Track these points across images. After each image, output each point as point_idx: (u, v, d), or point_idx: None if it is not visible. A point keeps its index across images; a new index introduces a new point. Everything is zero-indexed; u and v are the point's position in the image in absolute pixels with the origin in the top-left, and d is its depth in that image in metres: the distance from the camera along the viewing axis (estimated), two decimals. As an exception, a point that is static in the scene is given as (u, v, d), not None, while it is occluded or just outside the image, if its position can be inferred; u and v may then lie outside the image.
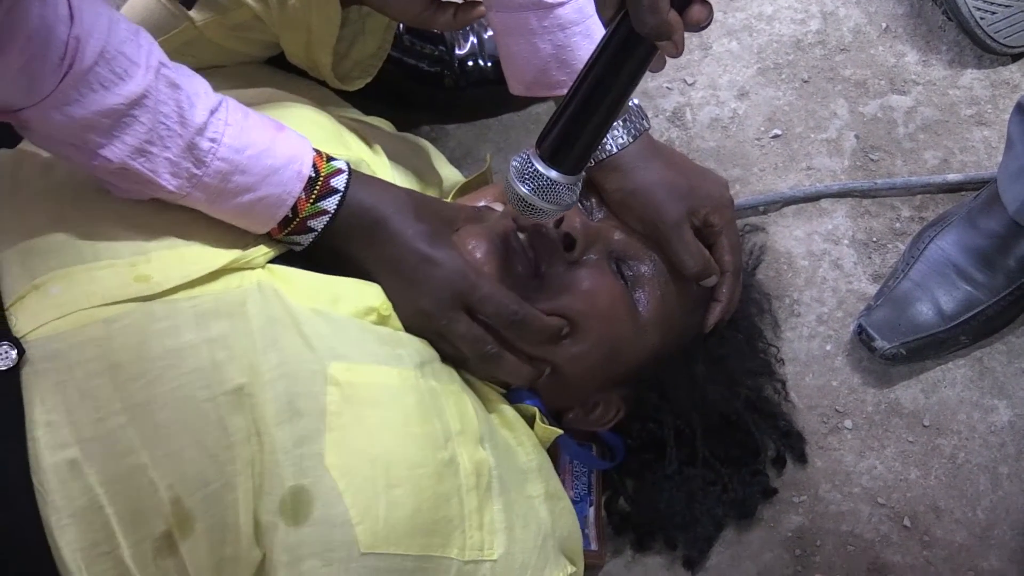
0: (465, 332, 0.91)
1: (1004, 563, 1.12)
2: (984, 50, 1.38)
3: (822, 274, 1.28)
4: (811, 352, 1.24)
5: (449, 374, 0.92)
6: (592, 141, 0.85)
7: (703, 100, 1.39)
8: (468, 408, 0.89)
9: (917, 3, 1.43)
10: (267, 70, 1.13)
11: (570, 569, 0.93)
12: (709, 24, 0.75)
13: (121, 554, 0.77)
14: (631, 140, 1.01)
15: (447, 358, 0.93)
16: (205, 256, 0.85)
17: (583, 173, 0.87)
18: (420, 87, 1.32)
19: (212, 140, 0.82)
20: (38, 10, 0.72)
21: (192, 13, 1.01)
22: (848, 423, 1.20)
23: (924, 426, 1.19)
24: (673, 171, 1.02)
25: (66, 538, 0.76)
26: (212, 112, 0.82)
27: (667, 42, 0.75)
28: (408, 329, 0.91)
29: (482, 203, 1.01)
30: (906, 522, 1.15)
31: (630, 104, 1.01)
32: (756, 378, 1.14)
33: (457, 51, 1.32)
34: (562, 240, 0.96)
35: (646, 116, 1.03)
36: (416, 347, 0.89)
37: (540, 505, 0.92)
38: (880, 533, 1.14)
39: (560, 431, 0.98)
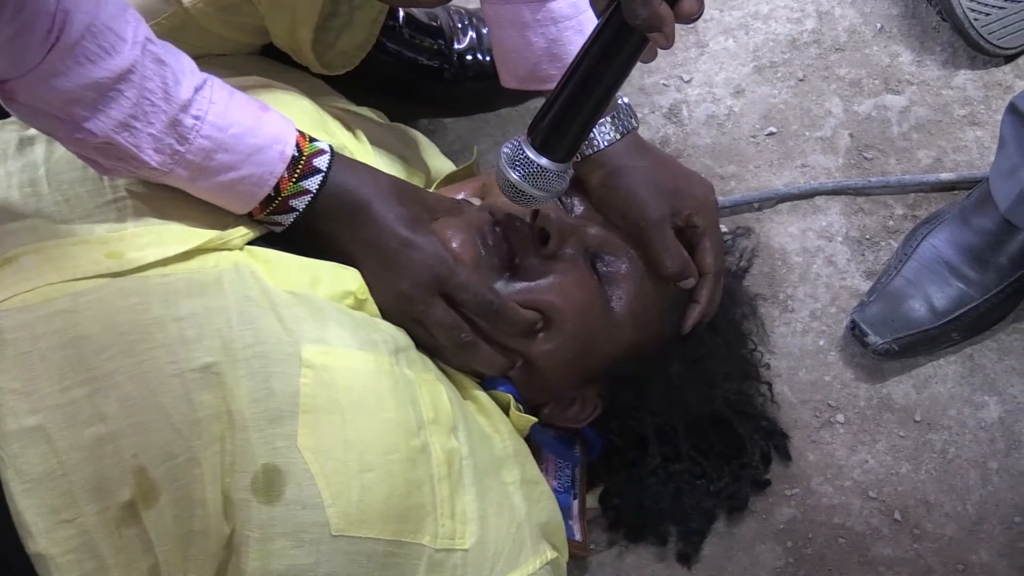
0: (441, 318, 0.91)
1: (993, 557, 1.13)
2: (977, 51, 1.39)
3: (816, 270, 1.29)
4: (804, 347, 1.25)
5: (424, 362, 0.91)
6: (583, 130, 0.86)
7: (699, 97, 1.40)
8: (442, 397, 0.88)
9: (912, 4, 1.45)
10: (257, 60, 1.13)
11: (550, 555, 0.92)
12: (700, 17, 0.76)
13: (84, 522, 0.77)
14: (619, 136, 1.01)
15: (422, 346, 0.93)
16: (181, 236, 0.85)
17: (573, 161, 0.88)
18: (419, 80, 1.33)
19: (196, 117, 0.83)
20: None
21: None
22: (840, 417, 1.21)
23: (915, 421, 1.21)
24: (659, 170, 1.02)
25: (26, 503, 0.76)
26: (197, 90, 0.83)
27: (658, 34, 0.76)
28: (385, 313, 0.91)
29: (461, 196, 1.01)
30: (897, 516, 1.16)
31: (620, 102, 1.01)
32: (736, 382, 1.13)
33: (456, 45, 1.33)
34: (537, 234, 0.95)
35: (635, 115, 1.03)
36: (392, 333, 0.89)
37: (515, 492, 0.92)
38: (871, 526, 1.15)
39: (534, 419, 0.97)
